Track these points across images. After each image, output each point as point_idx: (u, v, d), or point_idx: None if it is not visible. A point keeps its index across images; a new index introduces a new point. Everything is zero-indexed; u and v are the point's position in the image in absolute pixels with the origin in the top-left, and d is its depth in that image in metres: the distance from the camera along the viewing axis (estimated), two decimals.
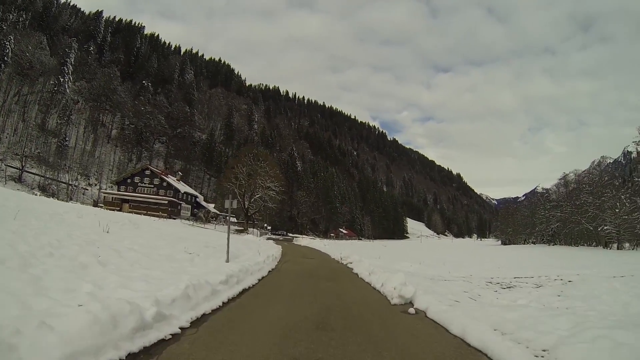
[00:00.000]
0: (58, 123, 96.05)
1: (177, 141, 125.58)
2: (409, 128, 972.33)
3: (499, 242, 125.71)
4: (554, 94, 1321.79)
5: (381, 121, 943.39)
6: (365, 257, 26.83)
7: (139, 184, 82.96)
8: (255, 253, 22.43)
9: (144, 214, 65.67)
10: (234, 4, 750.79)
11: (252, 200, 72.45)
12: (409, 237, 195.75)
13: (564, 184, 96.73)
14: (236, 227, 72.68)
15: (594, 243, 68.08)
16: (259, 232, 73.04)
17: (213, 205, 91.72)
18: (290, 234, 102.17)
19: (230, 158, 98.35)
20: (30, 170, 79.63)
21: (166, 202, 76.56)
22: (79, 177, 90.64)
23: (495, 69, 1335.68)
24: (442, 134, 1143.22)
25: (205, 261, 15.41)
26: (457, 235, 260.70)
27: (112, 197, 78.96)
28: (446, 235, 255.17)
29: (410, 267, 24.22)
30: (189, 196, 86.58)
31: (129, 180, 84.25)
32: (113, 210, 66.66)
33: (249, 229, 72.12)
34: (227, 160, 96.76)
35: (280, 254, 26.90)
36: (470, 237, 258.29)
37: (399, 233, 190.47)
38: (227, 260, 16.37)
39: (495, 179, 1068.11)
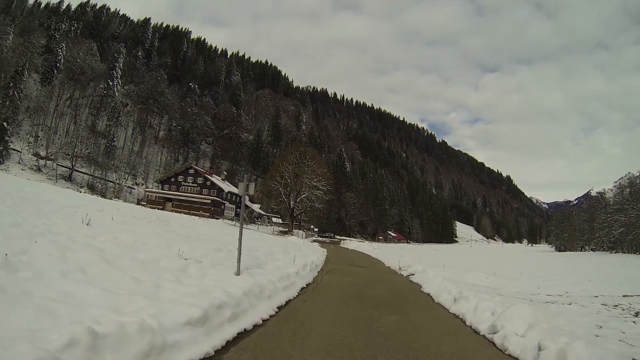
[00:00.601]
0: (107, 125, 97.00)
1: (224, 142, 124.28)
2: (457, 130, 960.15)
3: (552, 248, 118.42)
4: (607, 92, 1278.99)
5: (429, 123, 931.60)
6: (425, 265, 22.54)
7: (183, 183, 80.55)
8: (290, 260, 15.98)
9: (186, 213, 63.30)
10: (279, 7, 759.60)
11: (298, 200, 68.05)
12: (457, 241, 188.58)
13: (629, 184, 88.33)
14: (280, 229, 68.97)
15: None
16: (304, 234, 68.45)
17: (259, 205, 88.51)
18: (338, 237, 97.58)
19: (277, 158, 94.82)
20: (79, 170, 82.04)
21: (209, 201, 73.87)
22: (126, 176, 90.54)
23: (544, 67, 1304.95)
24: (490, 136, 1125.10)
25: (205, 272, 9.92)
26: (506, 240, 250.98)
27: (155, 196, 77.20)
28: (495, 240, 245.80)
29: (485, 279, 18.76)
30: (234, 196, 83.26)
31: (172, 179, 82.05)
32: (155, 208, 64.02)
33: (293, 230, 67.54)
34: (274, 161, 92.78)
35: (323, 260, 21.94)
36: (520, 242, 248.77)
37: (448, 237, 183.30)
38: (238, 273, 10.49)
39: (545, 182, 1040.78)
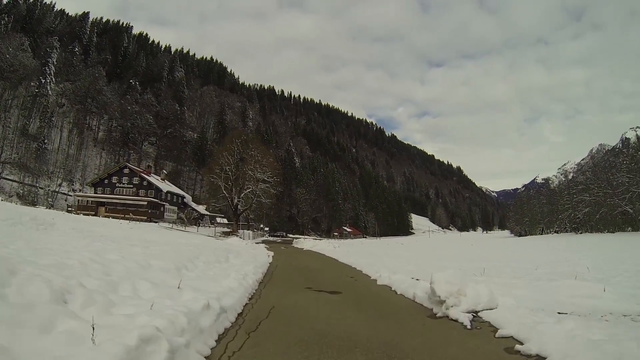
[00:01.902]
0: (39, 126, 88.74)
1: (167, 141, 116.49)
2: (405, 124, 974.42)
3: (510, 233, 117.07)
4: (549, 84, 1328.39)
5: (377, 118, 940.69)
6: (401, 264, 19.38)
7: (117, 185, 72.20)
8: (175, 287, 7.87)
9: (121, 218, 56.36)
10: (225, 7, 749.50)
11: (242, 195, 60.18)
12: (414, 233, 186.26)
13: (592, 165, 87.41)
14: (224, 229, 62.67)
15: (629, 228, 59.37)
16: (251, 234, 62.03)
17: (205, 206, 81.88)
18: (291, 235, 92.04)
19: (217, 148, 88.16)
20: (7, 177, 73.93)
21: (145, 203, 65.76)
22: (60, 182, 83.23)
23: (488, 61, 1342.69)
24: (438, 129, 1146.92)
25: None
26: (461, 229, 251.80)
27: (87, 201, 68.68)
28: (451, 230, 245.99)
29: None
30: (174, 196, 75.78)
31: (106, 181, 73.45)
32: (87, 214, 56.78)
33: (239, 230, 60.22)
34: (214, 152, 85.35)
35: (262, 273, 14.11)
36: (475, 230, 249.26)
37: (404, 229, 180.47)
38: None
39: (493, 171, 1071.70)
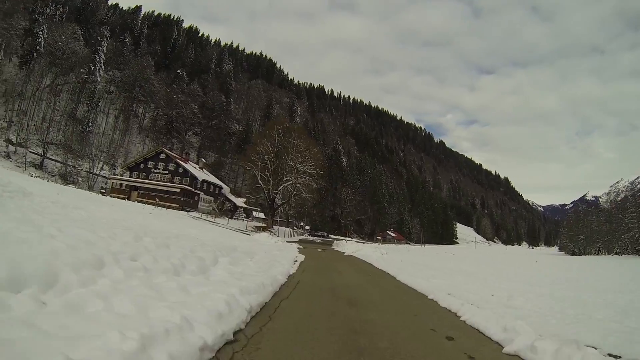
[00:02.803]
0: (86, 110, 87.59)
1: (211, 132, 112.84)
2: (452, 131, 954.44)
3: (558, 250, 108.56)
4: (602, 96, 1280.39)
5: (425, 124, 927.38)
6: (488, 289, 13.52)
7: (153, 170, 68.13)
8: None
9: (153, 204, 51.18)
10: (275, 6, 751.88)
11: (280, 187, 53.30)
12: (458, 243, 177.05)
13: None
14: (257, 224, 56.39)
15: None
16: (288, 231, 55.61)
17: (244, 200, 76.37)
18: (332, 236, 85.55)
19: (255, 134, 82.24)
20: (51, 157, 73.82)
21: (178, 190, 61.03)
22: (103, 165, 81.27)
23: (539, 70, 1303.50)
24: (486, 138, 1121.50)
25: None
26: (505, 242, 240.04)
27: (121, 184, 64.98)
28: (495, 242, 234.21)
29: None
30: (211, 186, 70.80)
31: (142, 166, 69.63)
32: (120, 198, 52.30)
33: (274, 226, 53.80)
34: (252, 139, 79.32)
35: (257, 304, 7.28)
36: (520, 245, 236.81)
37: (448, 238, 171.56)
38: None
39: (540, 185, 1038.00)
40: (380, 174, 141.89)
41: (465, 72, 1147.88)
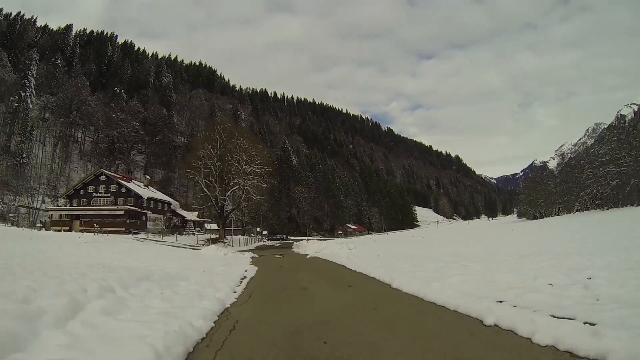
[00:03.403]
0: (19, 141, 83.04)
1: (156, 148, 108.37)
2: (399, 118, 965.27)
3: (516, 218, 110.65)
4: (540, 68, 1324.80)
5: (371, 114, 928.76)
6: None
7: (94, 195, 63.30)
8: None
9: (97, 231, 47.94)
10: (213, 16, 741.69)
11: (229, 193, 49.28)
12: (419, 225, 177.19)
13: (618, 131, 79.71)
14: (211, 236, 53.91)
15: None
16: (244, 239, 53.33)
17: (197, 213, 73.39)
18: (292, 238, 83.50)
19: (194, 139, 79.09)
20: None
21: (122, 212, 56.88)
22: (43, 198, 76.93)
23: (478, 50, 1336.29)
24: (432, 121, 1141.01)
25: None
26: (465, 218, 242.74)
27: (60, 215, 60.42)
28: (455, 219, 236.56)
29: None
30: (158, 203, 67.26)
31: (82, 192, 64.64)
32: (59, 230, 48.84)
33: (226, 237, 50.06)
34: (192, 145, 75.82)
35: None
36: (479, 218, 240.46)
37: (409, 222, 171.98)
38: None
39: (491, 159, 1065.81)
40: (332, 168, 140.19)
41: (406, 60, 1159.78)
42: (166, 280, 10.67)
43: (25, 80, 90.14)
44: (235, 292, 10.28)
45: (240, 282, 12.09)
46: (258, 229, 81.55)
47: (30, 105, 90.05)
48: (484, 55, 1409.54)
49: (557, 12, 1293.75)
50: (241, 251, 33.10)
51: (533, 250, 16.81)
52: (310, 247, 31.23)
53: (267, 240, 73.15)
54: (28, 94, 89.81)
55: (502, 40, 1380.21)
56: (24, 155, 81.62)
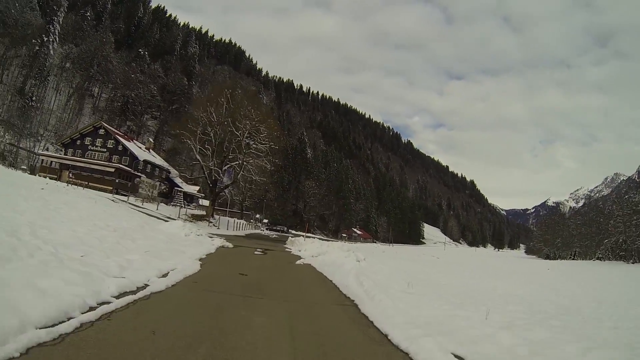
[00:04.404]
0: (32, 84, 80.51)
1: (171, 117, 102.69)
2: (419, 133, 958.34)
3: (523, 253, 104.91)
4: (567, 108, 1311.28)
5: (392, 125, 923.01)
6: None
7: (90, 147, 57.54)
8: None
9: (84, 186, 42.49)
10: (250, 1, 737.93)
11: (226, 167, 41.54)
12: (425, 243, 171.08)
13: None
14: (199, 212, 47.70)
15: None
16: (234, 223, 45.51)
17: (199, 188, 67.83)
18: (293, 231, 77.43)
19: (194, 99, 73.04)
20: None
21: (112, 170, 51.14)
22: (49, 146, 73.57)
23: (508, 79, 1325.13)
24: (452, 141, 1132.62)
25: None
26: (470, 244, 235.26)
27: (51, 161, 54.93)
28: (460, 243, 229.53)
29: None
30: (156, 168, 61.20)
31: (78, 142, 58.97)
32: (47, 177, 43.37)
33: (214, 215, 42.66)
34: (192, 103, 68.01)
35: None
36: (485, 247, 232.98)
37: (415, 237, 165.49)
38: None
39: (503, 190, 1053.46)
40: (347, 169, 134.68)
41: (435, 76, 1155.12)
42: None
43: (50, 26, 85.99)
44: None
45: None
46: (258, 216, 75.81)
47: (52, 52, 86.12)
48: (513, 86, 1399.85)
49: (592, 54, 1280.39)
50: (220, 235, 25.26)
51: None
52: (308, 246, 23.56)
53: (266, 229, 66.85)
54: (51, 39, 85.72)
55: (534, 73, 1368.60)
56: (33, 98, 78.46)
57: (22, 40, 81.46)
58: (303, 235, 40.02)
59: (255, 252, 18.81)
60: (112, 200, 30.68)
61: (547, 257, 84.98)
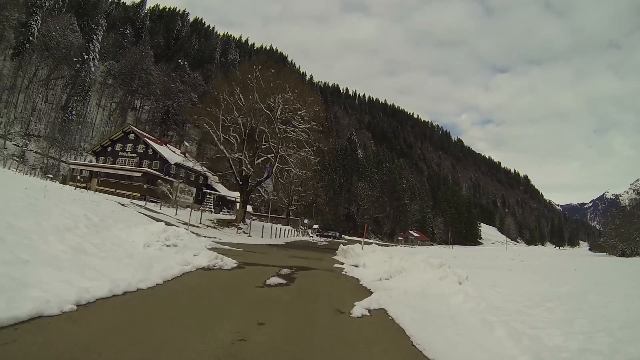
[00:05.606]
0: (74, 100, 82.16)
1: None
2: (467, 131, 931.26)
3: (587, 250, 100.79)
4: (620, 92, 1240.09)
5: (440, 124, 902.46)
6: None
7: (120, 153, 52.98)
8: None
9: (112, 193, 36.31)
10: (288, 10, 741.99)
11: (258, 161, 32.75)
12: (482, 243, 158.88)
13: None
14: (226, 217, 40.11)
15: None
16: (277, 230, 37.61)
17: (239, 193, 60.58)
18: (346, 237, 69.35)
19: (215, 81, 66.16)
20: (32, 149, 69.50)
21: (139, 175, 45.58)
22: (92, 159, 70.69)
23: (554, 68, 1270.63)
24: (502, 137, 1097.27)
25: None
26: (528, 242, 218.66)
27: (81, 170, 50.62)
28: (518, 242, 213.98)
29: None
30: (192, 174, 54.14)
31: (109, 149, 54.72)
32: (77, 186, 36.97)
33: (245, 220, 32.92)
34: (215, 85, 58.03)
35: None
36: (544, 245, 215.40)
37: (472, 238, 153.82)
38: None
39: (558, 184, 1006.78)
40: (400, 168, 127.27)
41: (479, 72, 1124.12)
42: None
43: (90, 44, 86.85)
44: None
45: None
46: (307, 221, 68.16)
47: (92, 69, 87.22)
48: (561, 74, 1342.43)
49: None
50: (244, 245, 16.82)
51: None
52: (368, 258, 13.56)
53: (316, 235, 58.64)
54: (91, 56, 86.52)
55: (582, 58, 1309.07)
56: (73, 112, 79.84)
57: (64, 61, 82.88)
58: (360, 242, 28.76)
59: (269, 280, 8.53)
60: (123, 205, 23.57)
61: (623, 254, 72.44)
